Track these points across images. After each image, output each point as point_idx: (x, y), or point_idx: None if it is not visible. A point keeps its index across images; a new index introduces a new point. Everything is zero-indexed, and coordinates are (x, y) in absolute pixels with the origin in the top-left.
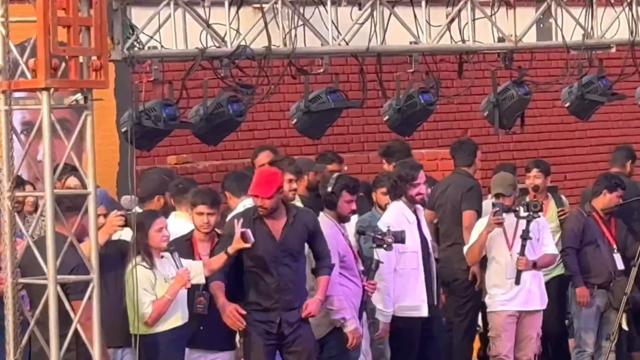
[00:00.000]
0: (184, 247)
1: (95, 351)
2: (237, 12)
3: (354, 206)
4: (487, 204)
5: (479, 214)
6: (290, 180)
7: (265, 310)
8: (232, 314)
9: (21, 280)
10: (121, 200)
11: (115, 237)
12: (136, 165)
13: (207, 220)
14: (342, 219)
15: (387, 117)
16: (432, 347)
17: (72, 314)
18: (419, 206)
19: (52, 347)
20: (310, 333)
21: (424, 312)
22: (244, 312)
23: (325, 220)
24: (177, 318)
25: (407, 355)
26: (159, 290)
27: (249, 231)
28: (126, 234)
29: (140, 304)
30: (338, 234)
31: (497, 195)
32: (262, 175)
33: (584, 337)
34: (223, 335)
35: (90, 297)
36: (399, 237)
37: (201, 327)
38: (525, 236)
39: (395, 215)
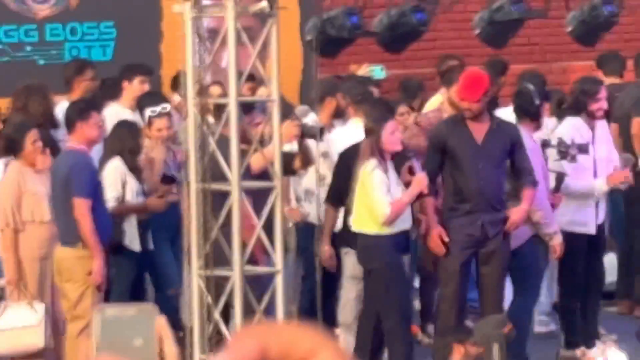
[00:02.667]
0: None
1: (278, 256)
2: None
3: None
4: None
5: None
6: None
7: (467, 213)
8: (435, 239)
9: (205, 185)
10: (296, 110)
11: (286, 148)
12: (319, 74)
13: None
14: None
15: (570, 28)
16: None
17: (255, 220)
18: (600, 122)
19: (234, 252)
20: (507, 248)
21: (592, 230)
22: (446, 239)
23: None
24: (404, 222)
25: (573, 269)
26: (393, 193)
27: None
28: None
29: (380, 203)
30: (538, 147)
31: None
32: (469, 78)
33: None
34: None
35: (272, 205)
36: (584, 149)
37: None
38: None
39: (568, 129)
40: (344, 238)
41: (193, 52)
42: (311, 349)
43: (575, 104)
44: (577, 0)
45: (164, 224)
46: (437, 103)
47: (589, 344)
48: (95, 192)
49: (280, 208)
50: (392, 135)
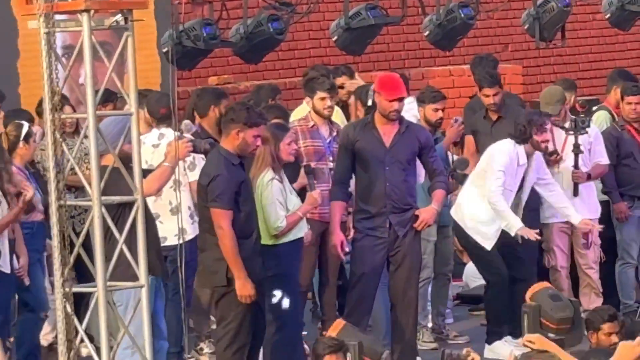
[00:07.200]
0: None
1: (141, 271)
2: None
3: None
4: None
5: None
6: (323, 99)
7: (374, 215)
8: (336, 246)
9: (69, 202)
10: (181, 125)
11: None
12: (177, 87)
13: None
14: None
15: (427, 32)
16: None
17: (117, 235)
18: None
19: (97, 268)
20: (418, 247)
21: None
22: (346, 249)
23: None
24: (300, 230)
25: None
26: (289, 204)
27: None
28: None
29: (275, 217)
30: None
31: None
32: (391, 79)
33: (627, 249)
34: None
35: (134, 218)
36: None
37: None
38: (577, 151)
39: (507, 153)
40: None
41: (49, 68)
42: None
43: (521, 134)
44: (433, 5)
45: (33, 245)
46: (303, 112)
47: None
48: None
49: (142, 222)
50: (289, 146)
